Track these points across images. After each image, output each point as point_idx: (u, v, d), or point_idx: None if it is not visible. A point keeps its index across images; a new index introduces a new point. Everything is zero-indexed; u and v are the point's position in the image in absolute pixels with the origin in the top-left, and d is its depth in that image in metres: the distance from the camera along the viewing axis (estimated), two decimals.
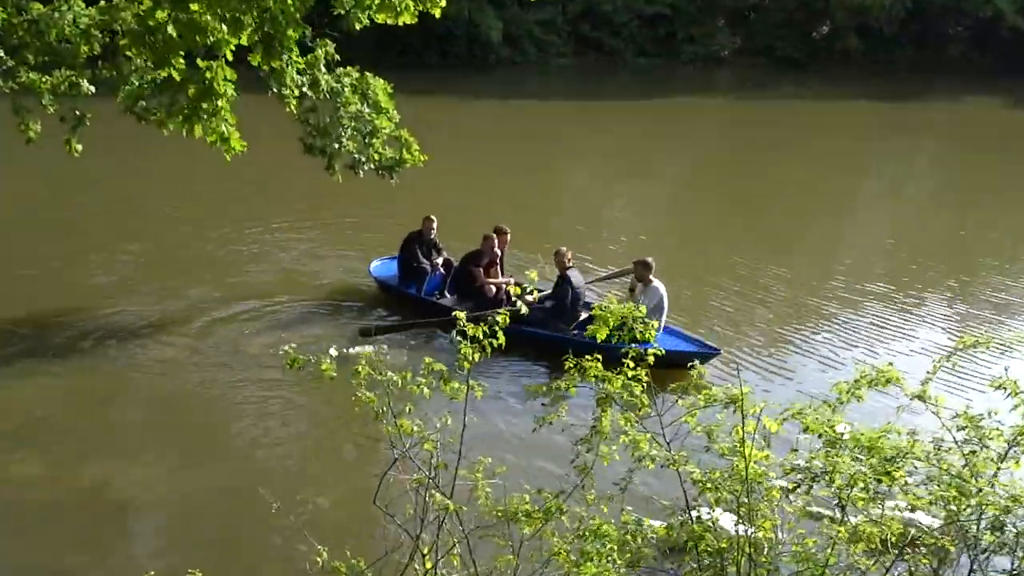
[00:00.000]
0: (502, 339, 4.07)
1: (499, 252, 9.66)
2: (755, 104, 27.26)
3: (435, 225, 9.84)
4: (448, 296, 9.65)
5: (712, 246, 12.69)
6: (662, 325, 8.54)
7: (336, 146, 7.57)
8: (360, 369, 3.96)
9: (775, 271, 11.51)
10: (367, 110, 7.54)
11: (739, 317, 9.85)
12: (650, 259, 8.72)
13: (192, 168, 15.08)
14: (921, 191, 18.27)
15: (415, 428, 3.95)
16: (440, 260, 9.87)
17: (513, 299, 4.44)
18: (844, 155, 20.14)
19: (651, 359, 4.21)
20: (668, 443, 4.15)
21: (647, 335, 4.21)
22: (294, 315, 9.28)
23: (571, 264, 9.05)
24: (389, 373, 3.91)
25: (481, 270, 9.51)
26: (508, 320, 4.14)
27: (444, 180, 15.16)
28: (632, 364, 4.21)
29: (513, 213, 12.83)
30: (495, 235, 9.63)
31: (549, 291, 9.15)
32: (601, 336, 4.21)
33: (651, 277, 8.61)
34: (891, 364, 4.16)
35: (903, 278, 11.48)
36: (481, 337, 4.05)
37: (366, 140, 7.61)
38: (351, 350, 8.28)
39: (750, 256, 12.12)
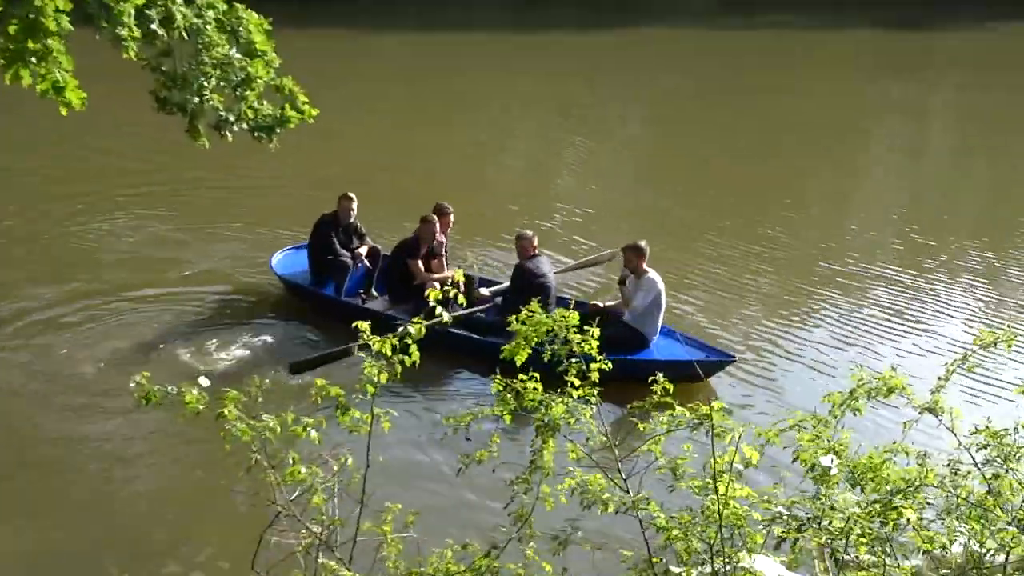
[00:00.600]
0: (416, 355, 4.05)
1: (443, 239, 9.54)
2: (737, 35, 27.62)
3: (355, 205, 9.67)
4: (378, 296, 9.54)
5: (680, 219, 12.84)
6: (659, 325, 8.69)
7: (197, 100, 7.39)
8: (228, 412, 3.88)
9: (758, 250, 11.71)
10: (237, 54, 7.38)
11: (713, 311, 10.02)
12: (643, 243, 8.74)
13: (9, 123, 14.60)
14: (941, 143, 18.74)
15: (303, 472, 3.93)
16: (364, 250, 9.66)
17: (431, 302, 4.43)
18: (845, 97, 20.54)
19: (594, 375, 4.22)
20: (626, 479, 4.19)
21: (587, 346, 4.25)
22: (154, 323, 9.06)
23: (536, 252, 8.99)
24: (265, 417, 3.88)
25: (420, 263, 9.35)
26: (424, 331, 4.13)
27: (351, 140, 14.99)
28: (577, 382, 4.24)
29: (433, 184, 12.78)
30: (435, 216, 9.48)
31: (506, 284, 9.19)
32: (521, 358, 4.23)
33: (645, 266, 8.66)
34: (895, 369, 4.28)
35: (916, 257, 11.80)
36: (390, 353, 4.04)
37: (236, 92, 7.42)
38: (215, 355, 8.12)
39: (727, 232, 12.30)
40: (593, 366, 4.28)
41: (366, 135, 15.61)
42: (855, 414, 4.21)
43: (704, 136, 17.27)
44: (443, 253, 9.56)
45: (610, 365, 4.42)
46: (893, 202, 14.36)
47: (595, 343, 4.28)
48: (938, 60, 26.02)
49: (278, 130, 7.51)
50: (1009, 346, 4.36)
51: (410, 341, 4.14)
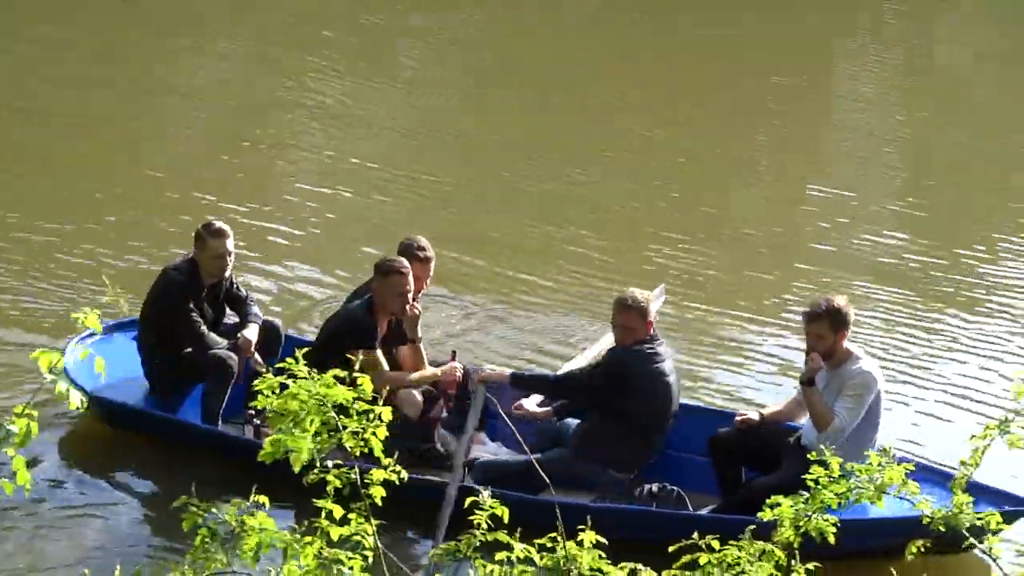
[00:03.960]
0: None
1: (417, 309, 6.04)
2: None
3: (230, 244, 6.09)
4: None
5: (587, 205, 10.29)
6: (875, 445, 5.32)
7: None
8: None
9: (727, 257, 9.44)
10: None
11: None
12: (841, 301, 5.55)
13: None
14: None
15: None
16: (252, 332, 6.08)
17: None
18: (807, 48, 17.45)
19: (377, 494, 2.95)
20: None
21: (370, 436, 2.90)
22: None
23: (653, 334, 5.74)
24: None
25: (380, 354, 5.83)
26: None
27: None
28: (338, 510, 2.92)
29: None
30: (405, 263, 5.93)
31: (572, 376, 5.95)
32: (300, 461, 2.89)
33: (849, 347, 5.56)
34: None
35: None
36: None
37: None
38: None
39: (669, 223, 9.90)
40: (375, 475, 2.97)
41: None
42: None
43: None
44: (418, 334, 6.04)
45: (404, 476, 3.02)
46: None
47: (382, 431, 2.93)
48: None
49: None
50: None
51: None
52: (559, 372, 5.98)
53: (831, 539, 3.11)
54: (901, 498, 3.37)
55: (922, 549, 3.19)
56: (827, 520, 3.13)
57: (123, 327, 6.44)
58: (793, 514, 3.13)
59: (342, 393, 2.76)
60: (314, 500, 2.81)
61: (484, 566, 2.78)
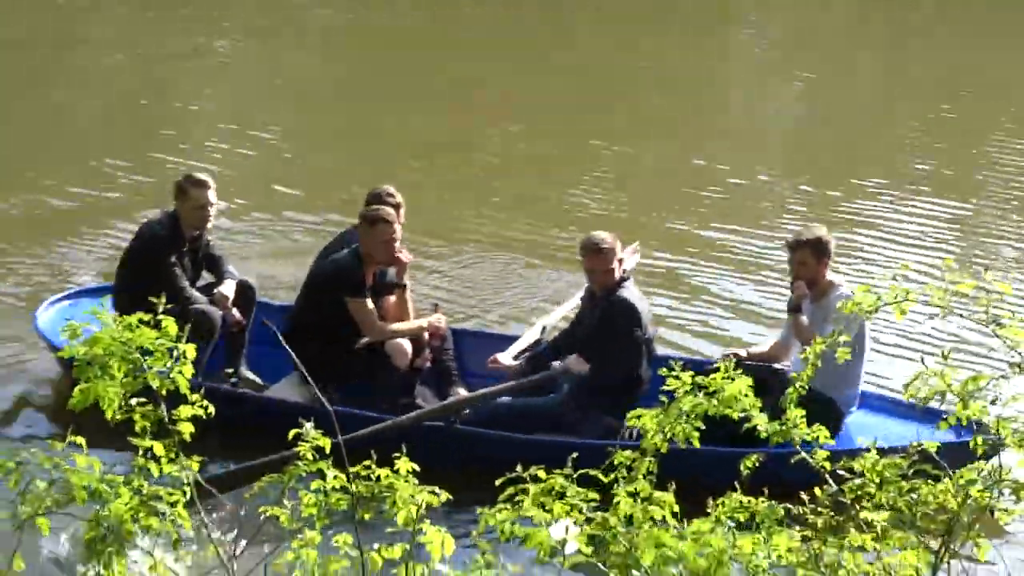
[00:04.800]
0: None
1: (408, 255, 6.02)
2: None
3: (212, 195, 6.05)
4: (260, 380, 6.06)
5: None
6: (860, 383, 5.66)
7: None
8: None
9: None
10: None
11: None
12: (822, 231, 5.70)
13: None
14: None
15: None
16: (229, 288, 6.08)
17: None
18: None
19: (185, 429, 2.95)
20: None
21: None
22: None
23: (627, 273, 5.86)
24: None
25: (369, 303, 5.78)
26: None
27: None
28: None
29: None
30: (390, 211, 5.88)
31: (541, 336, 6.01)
32: (109, 410, 2.84)
33: (831, 278, 5.65)
34: None
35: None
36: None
37: None
38: None
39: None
40: (183, 411, 2.96)
41: None
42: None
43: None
44: (405, 281, 6.04)
45: (212, 411, 3.00)
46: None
47: (188, 369, 2.94)
48: None
49: None
50: (902, 312, 3.23)
51: None
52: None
53: (695, 443, 3.16)
54: (743, 414, 3.30)
55: (756, 464, 3.18)
56: (691, 425, 3.14)
57: (92, 292, 6.46)
58: (656, 425, 3.15)
59: (146, 335, 2.72)
60: (130, 439, 2.76)
61: (305, 495, 2.77)
